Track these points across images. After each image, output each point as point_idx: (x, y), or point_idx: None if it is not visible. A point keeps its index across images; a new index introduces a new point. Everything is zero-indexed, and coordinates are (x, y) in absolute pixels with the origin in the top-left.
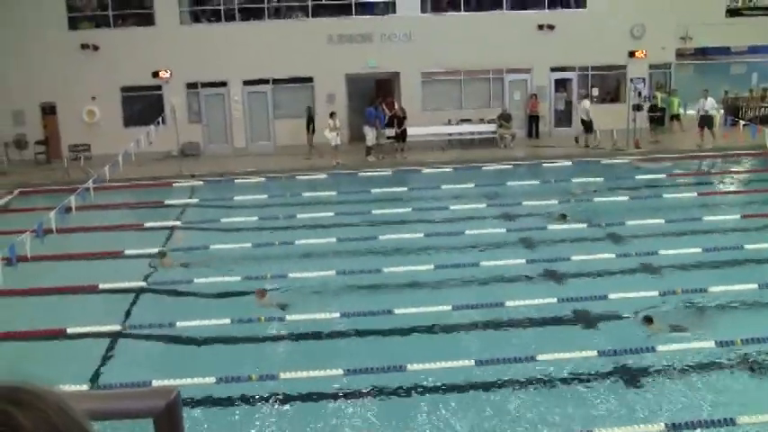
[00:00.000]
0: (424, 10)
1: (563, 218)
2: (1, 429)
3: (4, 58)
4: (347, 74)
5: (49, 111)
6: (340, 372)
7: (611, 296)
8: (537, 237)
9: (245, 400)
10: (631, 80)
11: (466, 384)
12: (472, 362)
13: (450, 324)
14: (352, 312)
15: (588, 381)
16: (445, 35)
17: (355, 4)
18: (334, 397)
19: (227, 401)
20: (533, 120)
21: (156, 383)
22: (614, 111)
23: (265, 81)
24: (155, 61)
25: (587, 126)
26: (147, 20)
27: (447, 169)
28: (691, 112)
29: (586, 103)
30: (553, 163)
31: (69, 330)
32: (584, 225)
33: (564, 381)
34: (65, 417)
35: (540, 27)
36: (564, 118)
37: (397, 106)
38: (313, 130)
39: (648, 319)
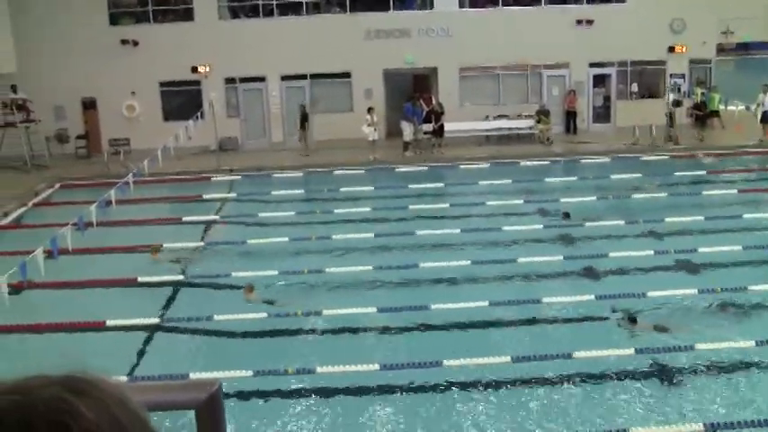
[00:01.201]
0: (461, 5)
1: (566, 216)
2: (61, 418)
3: (47, 53)
4: (385, 69)
5: (89, 105)
6: (376, 367)
7: (650, 294)
8: (575, 233)
9: (282, 393)
10: (671, 76)
11: (502, 381)
12: (508, 358)
13: (486, 320)
14: (388, 308)
15: (625, 379)
16: (483, 30)
17: None
18: (370, 392)
19: (264, 395)
20: (571, 116)
21: (193, 376)
22: (653, 106)
23: (303, 76)
24: (193, 56)
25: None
26: (187, 15)
27: (484, 165)
28: (732, 108)
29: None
30: (591, 159)
31: (109, 323)
32: (623, 222)
33: (601, 378)
34: (124, 407)
35: (579, 22)
36: (602, 114)
37: (434, 102)
38: (306, 128)
39: (633, 320)
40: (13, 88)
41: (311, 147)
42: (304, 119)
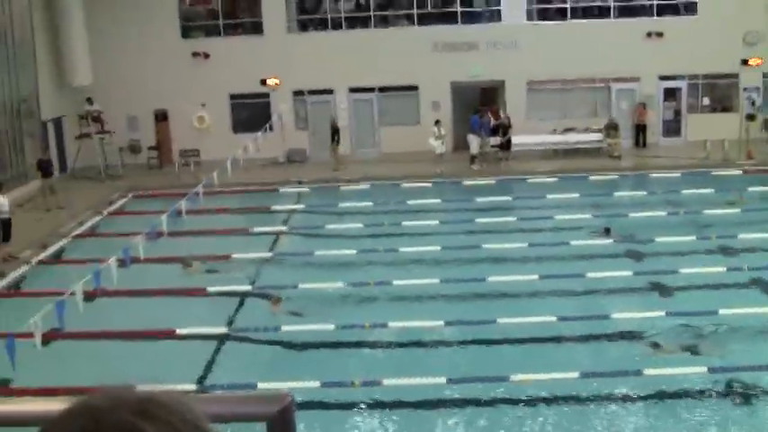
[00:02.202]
0: (529, 18)
1: (607, 232)
2: None
3: (121, 66)
4: (452, 82)
5: (161, 117)
6: (443, 380)
7: (721, 311)
8: (644, 249)
9: (348, 405)
10: (744, 89)
11: (570, 396)
12: (577, 374)
13: (554, 335)
14: (455, 321)
15: (697, 397)
16: (551, 43)
17: (461, 12)
18: (437, 405)
19: (330, 406)
20: (640, 129)
21: (260, 386)
22: (726, 121)
23: (371, 89)
24: (263, 69)
25: None
26: (256, 29)
27: (551, 179)
28: None
29: None
30: (661, 173)
31: (178, 331)
32: (694, 237)
33: (672, 396)
34: (191, 427)
35: (649, 35)
36: (672, 128)
37: (502, 115)
38: (338, 142)
39: (655, 345)
40: (89, 100)
41: (341, 162)
42: (335, 133)
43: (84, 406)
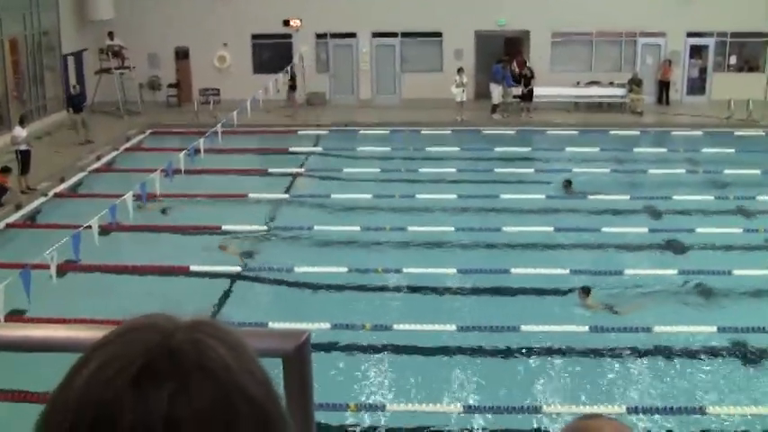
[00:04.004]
0: None
1: (568, 185)
2: (207, 362)
3: (143, 2)
4: (476, 30)
5: (182, 55)
6: (453, 327)
7: (736, 272)
8: (661, 206)
9: (359, 348)
10: None
11: (580, 350)
12: (586, 327)
13: (566, 288)
14: (468, 269)
15: (705, 356)
16: None
17: None
18: (446, 352)
19: (341, 348)
20: (664, 86)
21: (271, 325)
22: (752, 80)
23: (394, 34)
24: (286, 10)
25: None
26: None
27: (572, 132)
28: None
29: None
30: (683, 131)
31: (192, 268)
32: (712, 197)
33: (680, 354)
34: (242, 349)
35: None
36: (697, 86)
37: (525, 65)
38: (294, 88)
39: (586, 291)
40: (110, 35)
41: (296, 107)
42: (291, 78)
43: (145, 323)
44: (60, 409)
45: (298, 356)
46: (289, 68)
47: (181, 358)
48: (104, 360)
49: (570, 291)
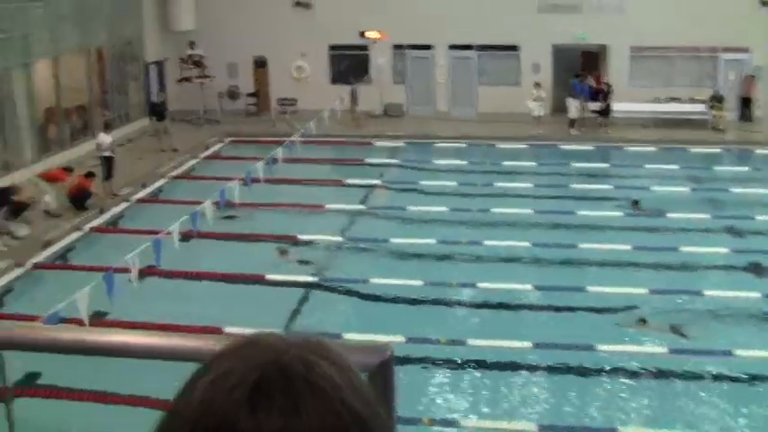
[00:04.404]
0: None
1: (635, 204)
2: (318, 380)
3: (224, 12)
4: (554, 44)
5: (260, 64)
6: (528, 344)
7: None
8: (744, 226)
9: (433, 362)
10: None
11: (657, 372)
12: (666, 349)
13: (644, 308)
14: (544, 286)
15: None
16: (659, 9)
17: None
18: (521, 368)
19: (414, 361)
20: (747, 103)
21: (345, 337)
22: None
23: (471, 47)
24: (364, 21)
25: None
26: None
27: (651, 148)
28: None
29: None
30: (767, 150)
31: (268, 277)
32: None
33: (762, 380)
34: (352, 372)
35: (764, 3)
36: None
37: (603, 80)
38: (356, 102)
39: (643, 321)
40: (192, 45)
41: (359, 120)
42: (353, 91)
43: (259, 341)
44: (179, 417)
45: (382, 371)
46: (351, 80)
47: (292, 377)
48: (221, 374)
49: (643, 310)
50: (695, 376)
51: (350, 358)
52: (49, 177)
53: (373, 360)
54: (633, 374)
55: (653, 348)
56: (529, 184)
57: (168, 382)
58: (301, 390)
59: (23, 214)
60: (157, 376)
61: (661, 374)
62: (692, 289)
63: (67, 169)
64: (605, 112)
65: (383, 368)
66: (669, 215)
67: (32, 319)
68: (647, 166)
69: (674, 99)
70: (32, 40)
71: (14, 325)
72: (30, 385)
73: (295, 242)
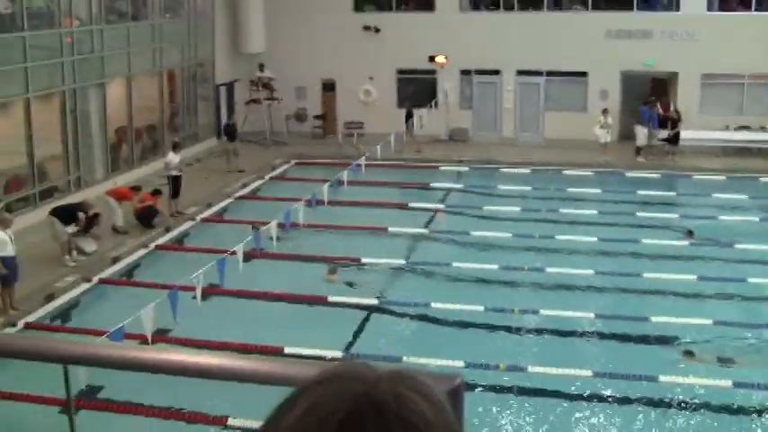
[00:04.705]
0: (710, 8)
1: (690, 234)
2: (410, 416)
3: (293, 36)
4: (623, 70)
5: (328, 87)
6: (589, 373)
7: None
8: None
9: (492, 388)
10: None
11: (721, 406)
12: (730, 382)
13: (710, 339)
14: (607, 314)
15: None
16: (731, 35)
17: None
18: (581, 398)
19: (474, 387)
20: None
21: (405, 360)
22: None
23: (539, 73)
24: (432, 46)
25: None
26: (428, 5)
27: (720, 177)
28: None
29: None
30: None
31: (330, 299)
32: None
33: None
34: (441, 406)
35: None
36: None
37: (672, 107)
38: (412, 125)
39: (689, 354)
40: (261, 67)
41: (416, 144)
42: (408, 116)
43: (349, 371)
44: None
45: (451, 400)
46: (407, 104)
47: (384, 410)
48: (312, 404)
49: (717, 345)
50: (760, 410)
51: (440, 393)
52: (117, 195)
53: (442, 388)
54: (695, 406)
55: (716, 381)
56: (593, 211)
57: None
58: (393, 425)
59: (92, 230)
60: (214, 394)
61: (724, 408)
62: (760, 322)
63: (135, 188)
64: (674, 139)
65: (452, 397)
66: (737, 246)
67: (97, 333)
68: (716, 195)
69: (744, 127)
70: (108, 60)
71: (81, 341)
72: (92, 398)
73: (358, 264)
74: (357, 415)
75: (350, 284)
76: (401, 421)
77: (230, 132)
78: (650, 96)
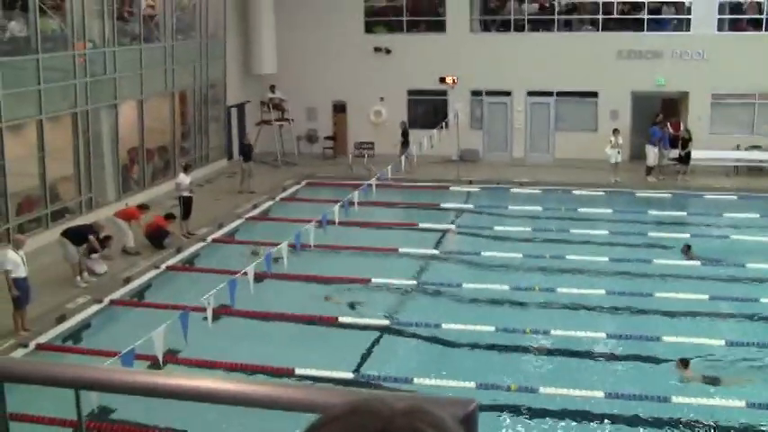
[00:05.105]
0: (720, 28)
1: (688, 250)
2: None
3: (305, 57)
4: (633, 91)
5: (339, 109)
6: (600, 394)
7: None
8: None
9: (503, 408)
10: None
11: (734, 427)
12: (743, 403)
13: (722, 360)
14: (619, 335)
15: None
16: (742, 55)
17: (648, 19)
18: (592, 419)
19: (485, 408)
20: None
21: (416, 381)
22: None
23: (549, 93)
24: (442, 67)
25: None
26: (439, 27)
27: (731, 197)
28: None
29: None
30: None
31: (341, 319)
32: None
33: None
34: None
35: None
36: None
37: (682, 127)
38: (406, 144)
39: (684, 363)
40: (272, 88)
41: (413, 164)
42: (404, 135)
43: (367, 407)
44: None
45: (465, 425)
46: (401, 124)
47: None
48: None
49: (730, 365)
50: None
51: (454, 424)
52: (125, 216)
53: (457, 413)
54: (708, 428)
55: (729, 401)
56: (604, 232)
57: (236, 423)
58: None
59: (102, 252)
60: (226, 417)
61: (736, 429)
62: None
63: (142, 206)
64: (685, 159)
65: (467, 422)
66: (749, 265)
67: (109, 354)
68: (727, 214)
69: (755, 147)
70: (120, 82)
71: (93, 366)
72: (103, 418)
73: (368, 284)
74: None
75: (351, 306)
76: None
77: (246, 152)
78: (658, 116)
